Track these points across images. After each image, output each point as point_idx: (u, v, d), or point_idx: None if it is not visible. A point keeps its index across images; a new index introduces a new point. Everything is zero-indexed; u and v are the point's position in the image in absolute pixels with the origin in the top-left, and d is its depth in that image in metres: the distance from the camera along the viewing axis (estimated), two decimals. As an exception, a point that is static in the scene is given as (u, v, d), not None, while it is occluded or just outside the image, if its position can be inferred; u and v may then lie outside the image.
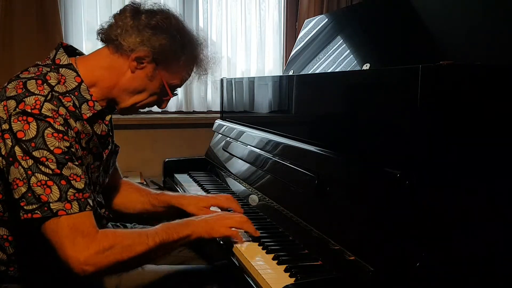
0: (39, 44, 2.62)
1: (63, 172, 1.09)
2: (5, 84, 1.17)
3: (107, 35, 1.25)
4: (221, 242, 1.35)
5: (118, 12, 1.27)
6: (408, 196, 0.98)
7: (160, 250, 1.17)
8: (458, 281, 0.95)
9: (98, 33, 1.28)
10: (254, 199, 1.56)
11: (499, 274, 1.00)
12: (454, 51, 1.40)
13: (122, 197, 1.57)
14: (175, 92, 1.34)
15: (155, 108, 2.99)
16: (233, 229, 1.29)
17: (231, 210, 1.48)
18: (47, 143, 1.08)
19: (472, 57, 1.29)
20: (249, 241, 1.30)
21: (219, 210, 1.49)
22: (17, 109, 1.09)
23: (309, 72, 1.99)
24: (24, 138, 1.07)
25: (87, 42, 2.77)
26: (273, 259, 1.18)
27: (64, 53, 1.24)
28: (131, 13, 1.24)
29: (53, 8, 2.65)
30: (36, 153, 1.07)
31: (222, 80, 2.47)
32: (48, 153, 1.08)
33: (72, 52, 1.30)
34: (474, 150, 0.99)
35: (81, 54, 1.33)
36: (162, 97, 1.32)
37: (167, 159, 2.35)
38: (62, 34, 2.70)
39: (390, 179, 1.01)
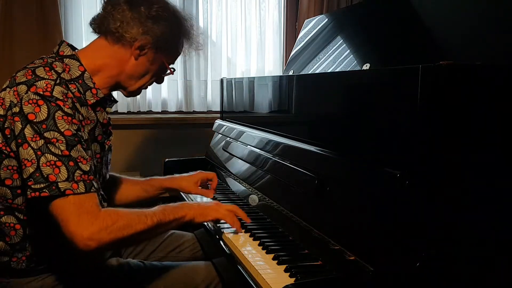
0: (39, 44, 2.62)
1: (71, 153, 1.13)
2: (14, 74, 1.21)
3: (104, 27, 1.31)
4: (222, 243, 1.36)
5: (110, 3, 1.31)
6: (408, 196, 0.98)
7: (157, 229, 1.24)
8: (458, 281, 0.95)
9: (91, 25, 1.35)
10: (254, 199, 1.56)
11: (499, 274, 1.00)
12: (454, 51, 1.40)
13: (112, 192, 1.60)
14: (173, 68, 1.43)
15: (155, 108, 3.02)
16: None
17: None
18: (58, 125, 1.13)
19: (472, 57, 1.29)
20: (244, 235, 1.33)
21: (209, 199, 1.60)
22: (28, 92, 1.14)
23: (309, 72, 1.99)
24: (35, 120, 1.12)
25: (87, 42, 2.75)
26: (273, 259, 1.18)
27: (67, 46, 1.32)
28: (128, 5, 1.29)
29: (53, 8, 2.65)
30: (47, 134, 1.12)
31: (222, 80, 2.47)
32: (58, 134, 1.13)
33: (73, 49, 1.34)
34: (474, 150, 0.99)
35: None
36: (160, 74, 1.42)
37: (167, 159, 2.34)
38: (62, 34, 2.70)
39: (390, 179, 1.01)
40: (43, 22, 2.65)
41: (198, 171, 1.72)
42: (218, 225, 1.44)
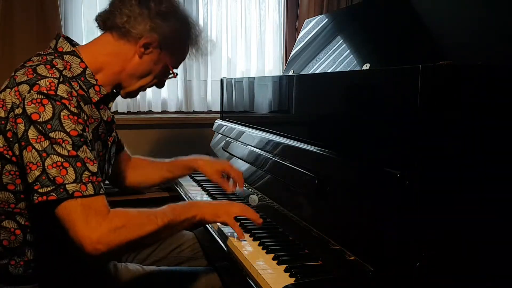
0: (39, 44, 2.61)
1: (78, 154, 1.08)
2: (12, 74, 1.16)
3: (110, 22, 1.27)
4: (222, 244, 1.36)
5: None
6: (408, 196, 0.98)
7: (167, 229, 1.17)
8: (458, 281, 0.95)
9: (96, 20, 1.31)
10: (254, 199, 1.56)
11: (499, 274, 1.00)
12: (454, 51, 1.40)
13: (137, 175, 1.62)
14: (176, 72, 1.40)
15: (155, 108, 3.01)
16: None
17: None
18: (64, 125, 1.08)
19: (472, 57, 1.29)
20: (246, 241, 1.31)
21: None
22: (31, 91, 1.09)
23: (309, 72, 1.99)
24: (39, 120, 1.07)
25: (87, 42, 2.78)
26: (273, 259, 1.18)
27: (65, 41, 1.27)
28: (137, 0, 1.26)
29: (53, 7, 2.64)
30: (52, 134, 1.07)
31: (222, 80, 2.47)
32: (64, 134, 1.08)
33: (72, 44, 1.30)
34: (474, 150, 0.99)
35: (78, 45, 1.33)
36: (162, 78, 1.39)
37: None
38: (62, 33, 2.70)
39: (390, 179, 1.01)
40: (43, 22, 2.64)
41: (225, 161, 1.73)
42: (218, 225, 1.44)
